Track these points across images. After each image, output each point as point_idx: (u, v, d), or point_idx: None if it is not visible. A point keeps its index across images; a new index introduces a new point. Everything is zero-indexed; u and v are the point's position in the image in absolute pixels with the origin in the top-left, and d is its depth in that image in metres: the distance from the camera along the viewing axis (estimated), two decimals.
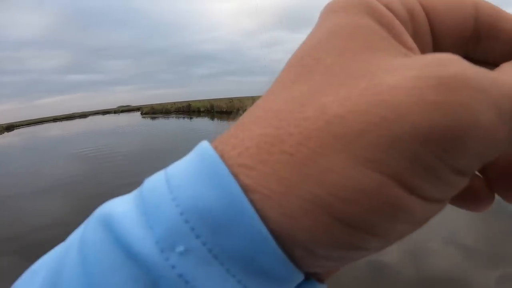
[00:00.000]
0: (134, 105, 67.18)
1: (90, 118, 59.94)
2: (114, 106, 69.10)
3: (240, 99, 34.02)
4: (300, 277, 0.17)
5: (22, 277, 0.18)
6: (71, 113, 69.45)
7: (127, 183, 8.92)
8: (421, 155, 0.13)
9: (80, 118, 64.16)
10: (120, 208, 0.18)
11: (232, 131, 0.17)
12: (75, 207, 7.46)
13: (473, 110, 0.13)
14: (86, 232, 0.18)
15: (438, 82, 0.13)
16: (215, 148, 0.17)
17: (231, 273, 0.16)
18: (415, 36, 0.19)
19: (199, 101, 43.93)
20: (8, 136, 38.58)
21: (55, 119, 65.08)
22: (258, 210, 0.15)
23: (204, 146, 0.17)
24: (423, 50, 0.19)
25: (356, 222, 0.14)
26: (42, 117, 66.49)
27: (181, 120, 32.49)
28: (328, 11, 0.19)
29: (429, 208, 0.15)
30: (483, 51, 0.19)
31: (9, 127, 55.37)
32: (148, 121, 36.18)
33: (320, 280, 0.20)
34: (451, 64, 0.14)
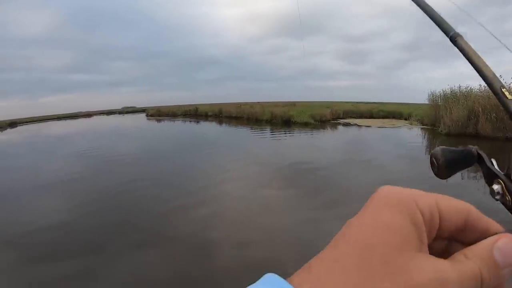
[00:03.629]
0: (138, 106, 66.29)
1: (94, 117, 59.43)
2: (118, 107, 68.45)
3: (251, 105, 32.91)
4: None
5: None
6: (75, 112, 68.47)
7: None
8: None
9: (84, 117, 63.40)
10: None
11: None
12: (74, 204, 7.36)
13: None
14: None
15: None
16: None
17: None
18: (429, 232, 0.27)
19: (206, 105, 43.00)
20: (10, 133, 38.04)
21: (59, 118, 64.11)
22: None
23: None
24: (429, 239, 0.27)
25: None
26: (46, 115, 65.52)
27: (194, 124, 31.31)
28: (380, 204, 0.27)
29: None
30: (463, 236, 0.29)
31: (12, 124, 54.49)
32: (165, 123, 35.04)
33: None
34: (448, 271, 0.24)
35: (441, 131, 15.85)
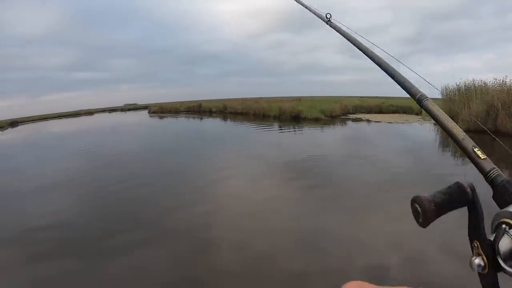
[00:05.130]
0: (140, 103, 65.88)
1: (96, 115, 59.45)
2: (120, 104, 67.93)
3: (256, 100, 32.43)
4: None
5: None
6: (77, 110, 68.28)
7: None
8: None
9: (86, 115, 63.41)
10: None
11: None
12: (77, 203, 7.43)
13: None
14: None
15: None
16: None
17: None
18: None
19: (209, 100, 42.51)
20: (11, 132, 37.84)
21: (60, 116, 64.05)
22: None
23: None
24: None
25: None
26: (47, 113, 65.31)
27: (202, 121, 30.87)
28: None
29: None
30: None
31: (13, 123, 54.24)
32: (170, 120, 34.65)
33: None
34: None
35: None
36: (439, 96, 19.54)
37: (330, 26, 1.50)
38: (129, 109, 65.04)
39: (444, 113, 0.80)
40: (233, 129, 21.34)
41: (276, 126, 20.39)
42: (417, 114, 22.76)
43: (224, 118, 28.75)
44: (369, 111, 25.82)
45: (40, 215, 6.76)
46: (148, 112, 46.41)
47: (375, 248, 4.53)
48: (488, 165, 0.64)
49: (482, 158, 0.66)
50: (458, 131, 0.74)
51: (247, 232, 5.34)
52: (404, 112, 24.29)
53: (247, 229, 5.46)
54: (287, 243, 4.88)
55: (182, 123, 28.70)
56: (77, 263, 4.60)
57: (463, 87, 16.93)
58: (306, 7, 1.76)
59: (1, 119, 53.42)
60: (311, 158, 10.27)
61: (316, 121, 21.20)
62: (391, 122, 19.53)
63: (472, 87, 16.43)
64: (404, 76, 0.98)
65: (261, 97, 40.01)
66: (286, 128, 19.26)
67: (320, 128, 18.29)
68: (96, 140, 20.17)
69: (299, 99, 27.45)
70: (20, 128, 45.39)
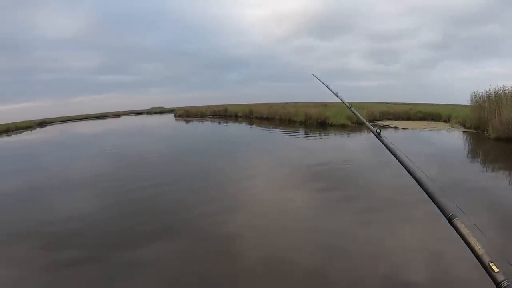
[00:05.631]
0: (166, 106, 66.90)
1: (123, 117, 60.62)
2: (147, 107, 69.26)
3: (283, 105, 32.58)
4: None
5: None
6: (104, 112, 69.81)
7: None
8: None
9: (113, 117, 64.76)
10: None
11: None
12: (101, 201, 7.78)
13: None
14: None
15: None
16: None
17: None
18: None
19: (235, 105, 42.82)
20: (39, 132, 39.09)
21: (88, 118, 65.71)
22: None
23: None
24: None
25: None
26: (74, 115, 67.03)
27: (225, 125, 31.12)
28: None
29: None
30: None
31: (41, 123, 55.98)
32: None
33: None
34: None
35: (489, 135, 15.01)
36: (465, 103, 19.34)
37: (379, 140, 1.70)
38: (155, 112, 66.28)
39: (469, 233, 0.97)
40: (258, 134, 21.55)
41: (302, 131, 20.53)
42: (445, 121, 22.51)
43: (250, 122, 29.02)
44: (397, 117, 25.56)
45: (65, 211, 7.14)
46: (174, 116, 47.04)
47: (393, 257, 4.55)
48: (500, 277, 0.83)
49: (496, 271, 0.84)
50: (479, 247, 0.91)
51: (268, 233, 5.45)
52: (432, 119, 23.95)
53: (268, 230, 5.58)
54: (309, 246, 4.97)
55: (208, 127, 29.10)
56: (97, 258, 4.85)
57: (493, 94, 16.66)
58: (362, 120, 2.10)
59: (30, 119, 55.46)
60: (336, 165, 10.31)
61: (342, 127, 21.16)
62: (419, 130, 19.33)
63: (503, 93, 16.14)
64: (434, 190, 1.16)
65: (287, 102, 40.05)
66: (312, 134, 19.37)
67: (346, 134, 18.27)
68: (122, 141, 20.91)
69: (325, 104, 27.38)
70: (48, 128, 46.89)
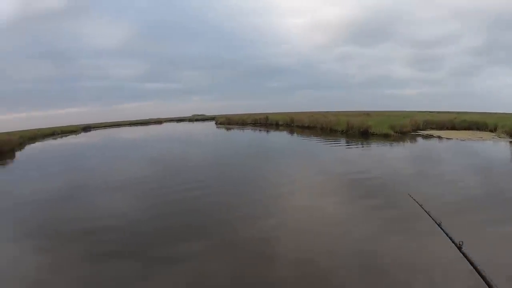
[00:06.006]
0: (208, 114, 68.52)
1: (165, 124, 62.45)
2: (188, 114, 71.41)
3: (324, 114, 32.85)
4: None
5: None
6: (146, 118, 72.37)
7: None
8: None
9: (155, 124, 66.80)
10: None
11: None
12: (142, 203, 8.24)
13: None
14: None
15: None
16: None
17: None
18: None
19: (276, 113, 43.41)
20: (84, 136, 41.45)
21: (131, 123, 68.29)
22: None
23: None
24: None
25: None
26: (118, 120, 69.95)
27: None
28: None
29: None
30: None
31: (86, 128, 59.09)
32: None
33: None
34: None
35: None
36: None
37: (461, 253, 1.45)
38: (196, 120, 68.14)
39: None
40: (298, 143, 21.65)
41: (343, 141, 20.53)
42: (491, 131, 22.05)
43: (291, 131, 29.50)
44: (441, 127, 25.17)
45: (107, 210, 7.69)
46: (215, 123, 48.39)
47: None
48: None
49: None
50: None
51: (304, 238, 5.53)
52: (477, 129, 23.47)
53: (304, 235, 5.66)
54: (344, 252, 4.99)
55: (248, 134, 29.73)
56: (135, 261, 5.05)
57: None
58: (445, 233, 1.70)
59: (75, 124, 58.75)
60: (379, 176, 10.03)
61: (385, 137, 21.00)
62: (464, 140, 19.02)
63: None
64: None
65: (328, 111, 40.26)
66: (353, 143, 19.27)
67: (389, 144, 18.12)
68: (164, 146, 22.10)
69: (367, 113, 27.39)
70: (92, 132, 49.53)
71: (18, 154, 22.85)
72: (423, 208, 1.40)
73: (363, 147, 17.89)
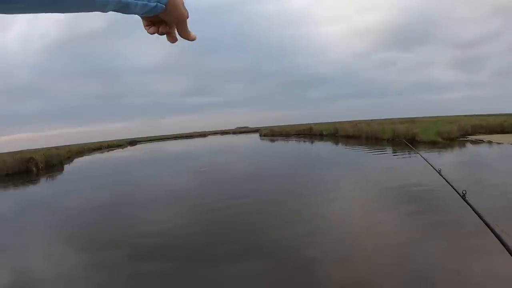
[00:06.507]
0: (251, 126, 69.58)
1: (209, 137, 63.92)
2: (232, 127, 72.93)
3: (368, 123, 32.83)
4: None
5: None
6: (191, 132, 74.56)
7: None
8: None
9: (199, 137, 68.44)
10: None
11: None
12: (187, 217, 8.54)
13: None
14: None
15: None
16: None
17: None
18: None
19: (319, 124, 43.72)
20: (130, 150, 43.45)
21: (176, 137, 70.59)
22: None
23: None
24: None
25: None
26: (163, 134, 72.62)
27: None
28: None
29: None
30: None
31: (132, 142, 61.90)
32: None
33: None
34: None
35: None
36: None
37: (465, 201, 1.55)
38: (240, 132, 69.52)
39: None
40: (344, 153, 21.54)
41: (389, 150, 20.33)
42: None
43: (336, 141, 29.64)
44: (490, 131, 24.49)
45: (152, 225, 7.87)
46: (259, 135, 49.18)
47: None
48: None
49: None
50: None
51: (353, 257, 5.29)
52: None
53: (354, 254, 5.42)
54: (396, 273, 4.68)
55: (293, 146, 30.05)
56: (177, 270, 5.22)
57: None
58: (446, 181, 1.97)
59: (121, 138, 61.62)
60: (429, 187, 9.23)
61: (432, 144, 20.57)
62: None
63: None
64: None
65: (372, 119, 40.04)
66: (400, 152, 18.85)
67: (437, 152, 17.59)
68: (208, 159, 23.04)
69: (412, 120, 27.12)
70: (138, 146, 51.52)
71: (66, 167, 25.67)
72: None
73: (410, 156, 17.18)
